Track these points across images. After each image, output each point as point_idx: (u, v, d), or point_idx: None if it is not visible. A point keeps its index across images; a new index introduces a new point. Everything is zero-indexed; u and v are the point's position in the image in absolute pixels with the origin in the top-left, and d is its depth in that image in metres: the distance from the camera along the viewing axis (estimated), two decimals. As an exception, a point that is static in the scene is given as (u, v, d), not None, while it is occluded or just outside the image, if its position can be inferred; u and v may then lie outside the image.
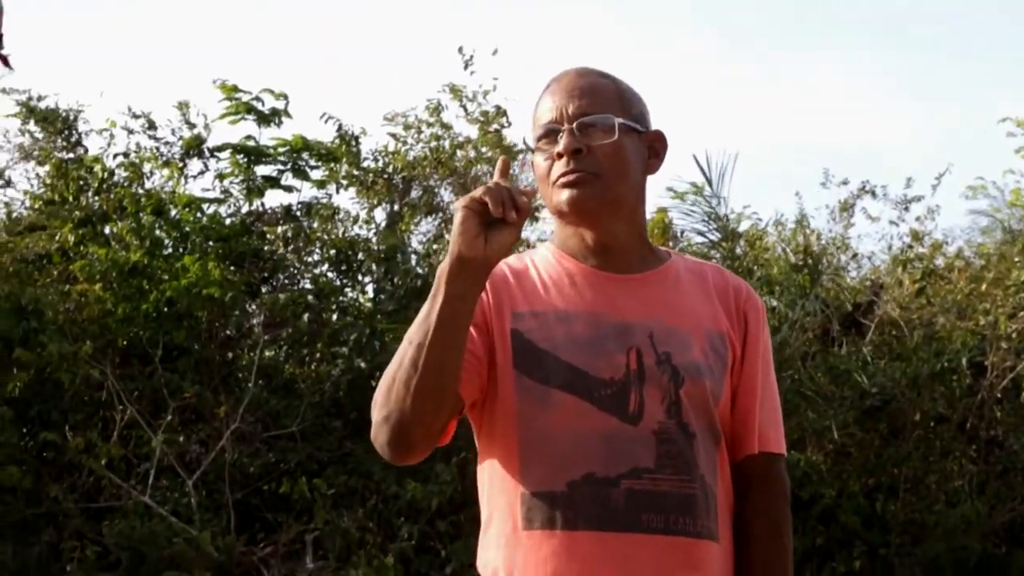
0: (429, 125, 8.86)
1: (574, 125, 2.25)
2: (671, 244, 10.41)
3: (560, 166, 2.25)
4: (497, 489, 2.24)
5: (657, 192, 10.27)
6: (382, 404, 2.17)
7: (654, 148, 2.35)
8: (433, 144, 8.84)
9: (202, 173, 8.02)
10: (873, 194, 10.87)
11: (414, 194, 8.78)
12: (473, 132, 8.96)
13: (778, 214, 10.96)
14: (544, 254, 2.34)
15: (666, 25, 20.19)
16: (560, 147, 2.25)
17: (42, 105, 8.29)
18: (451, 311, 2.08)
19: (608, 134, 2.25)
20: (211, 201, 7.87)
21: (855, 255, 11.12)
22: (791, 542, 2.33)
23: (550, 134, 2.28)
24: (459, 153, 8.83)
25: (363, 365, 7.88)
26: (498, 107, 8.98)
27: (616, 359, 2.20)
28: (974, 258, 11.93)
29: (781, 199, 14.48)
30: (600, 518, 2.13)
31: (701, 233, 9.93)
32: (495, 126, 8.98)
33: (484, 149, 8.93)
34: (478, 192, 2.05)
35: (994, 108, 22.02)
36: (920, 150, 18.31)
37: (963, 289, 10.79)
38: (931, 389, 9.82)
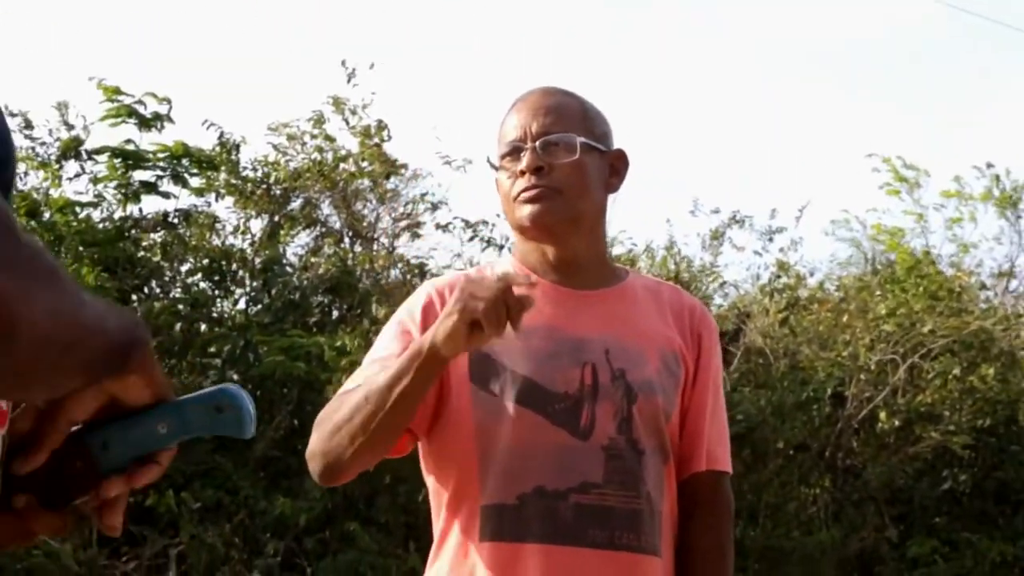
0: (312, 136, 8.76)
1: (537, 144, 2.29)
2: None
3: (521, 183, 2.29)
4: (453, 503, 2.28)
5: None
6: (323, 440, 2.21)
7: (615, 167, 2.41)
8: (315, 156, 8.74)
9: (78, 176, 7.78)
10: (741, 224, 11.07)
11: (293, 205, 8.67)
12: (355, 145, 8.89)
13: (649, 240, 11.11)
14: (505, 267, 2.37)
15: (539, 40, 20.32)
16: (523, 164, 2.29)
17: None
18: (414, 390, 2.11)
19: (570, 153, 2.29)
20: (85, 205, 7.65)
21: (723, 283, 11.33)
22: (733, 558, 2.37)
23: (514, 152, 2.32)
24: (341, 166, 8.75)
25: (235, 377, 7.75)
26: (380, 121, 8.93)
27: (571, 374, 2.24)
28: (834, 291, 12.26)
29: (653, 227, 14.71)
30: (547, 531, 2.18)
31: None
32: (376, 140, 8.91)
33: (365, 163, 8.86)
34: (482, 300, 2.01)
35: (864, 143, 22.71)
36: (786, 182, 18.76)
37: (826, 320, 11.06)
38: (794, 418, 10.03)
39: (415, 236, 9.04)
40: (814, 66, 21.54)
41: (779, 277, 11.08)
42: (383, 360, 2.23)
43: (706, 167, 19.61)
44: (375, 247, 9.04)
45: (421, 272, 8.92)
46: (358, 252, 8.87)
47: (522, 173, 2.29)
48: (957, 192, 12.62)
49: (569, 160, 2.28)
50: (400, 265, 8.97)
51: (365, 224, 9.03)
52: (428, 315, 2.27)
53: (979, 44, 21.72)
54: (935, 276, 11.31)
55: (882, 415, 10.43)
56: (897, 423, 10.50)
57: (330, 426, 2.19)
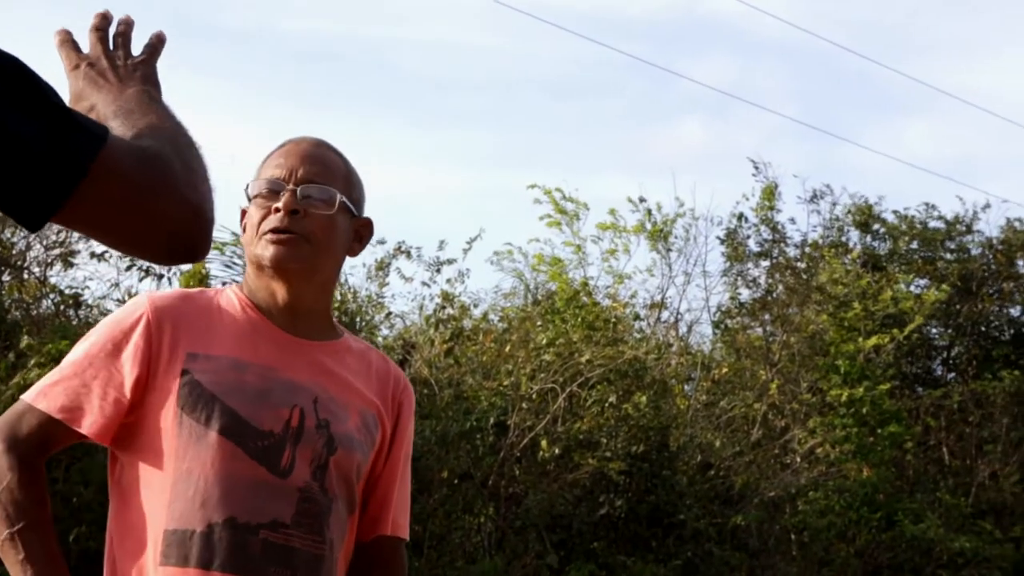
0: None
1: (299, 188, 2.34)
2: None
3: (273, 220, 2.32)
4: (138, 524, 2.26)
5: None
6: None
7: (360, 233, 2.45)
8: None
9: None
10: (408, 255, 11.12)
11: (-65, 231, 8.15)
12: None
13: (317, 270, 10.99)
14: (231, 299, 2.39)
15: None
16: (280, 203, 2.32)
17: None
18: None
19: (328, 206, 2.34)
20: None
21: (389, 314, 11.35)
22: None
23: (273, 188, 2.36)
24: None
25: None
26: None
27: (279, 414, 2.28)
28: (498, 321, 12.50)
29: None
30: (233, 563, 2.20)
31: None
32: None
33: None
34: None
35: (526, 178, 23.36)
36: (455, 214, 19.07)
37: (489, 351, 11.24)
38: (458, 447, 10.14)
39: (69, 265, 8.67)
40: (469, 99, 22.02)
41: (444, 308, 11.17)
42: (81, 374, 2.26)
43: (378, 197, 19.67)
44: (25, 276, 8.60)
45: (76, 303, 8.55)
46: (6, 281, 8.42)
47: (276, 210, 2.32)
48: (612, 225, 13.10)
49: (325, 213, 2.34)
50: (52, 295, 8.57)
51: (14, 252, 8.59)
52: (139, 338, 2.28)
53: (629, 82, 22.75)
54: (592, 307, 11.69)
55: (543, 443, 10.68)
56: (557, 451, 10.77)
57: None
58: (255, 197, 2.37)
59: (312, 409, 2.31)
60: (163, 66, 1.71)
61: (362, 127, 21.46)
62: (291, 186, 2.34)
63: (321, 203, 2.34)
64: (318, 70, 20.92)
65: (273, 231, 2.32)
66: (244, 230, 2.39)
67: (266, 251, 2.32)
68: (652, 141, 22.34)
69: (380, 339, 11.22)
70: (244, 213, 2.40)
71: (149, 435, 2.26)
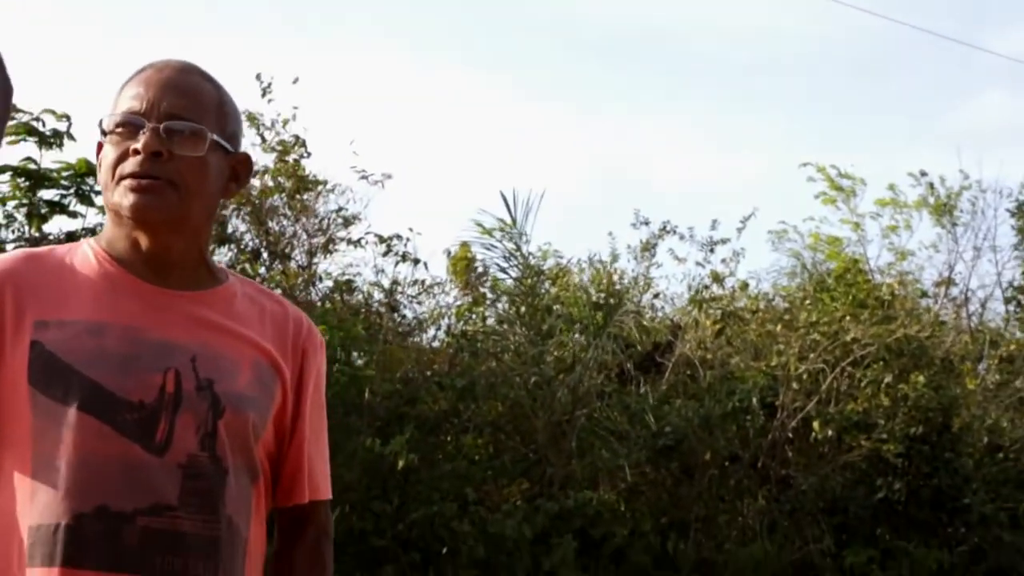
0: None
1: (162, 126, 2.02)
2: (473, 279, 10.43)
3: (133, 164, 2.01)
4: (3, 524, 1.98)
5: (462, 226, 10.31)
6: None
7: (236, 171, 2.15)
8: (227, 173, 8.69)
9: (-20, 196, 7.68)
10: (680, 235, 11.06)
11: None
12: (269, 161, 8.85)
13: (592, 253, 11.05)
14: (86, 254, 2.08)
15: (463, 65, 20.47)
16: (139, 144, 2.01)
17: None
18: None
19: (197, 146, 2.03)
20: (-7, 227, 7.56)
21: (657, 295, 11.29)
22: None
23: (130, 125, 2.03)
24: (255, 183, 8.69)
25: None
26: (297, 136, 8.89)
27: (150, 380, 1.98)
28: (777, 300, 12.24)
29: (590, 236, 14.78)
30: (109, 557, 1.91)
31: (503, 270, 9.95)
32: (293, 156, 8.88)
33: (281, 179, 8.82)
34: None
35: (797, 157, 22.90)
36: (727, 195, 18.88)
37: (757, 330, 11.03)
38: (723, 429, 9.99)
39: (329, 252, 8.99)
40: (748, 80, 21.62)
41: (707, 287, 11.04)
42: None
43: (649, 181, 19.63)
44: (291, 264, 8.98)
45: (349, 288, 8.87)
46: (275, 267, 8.82)
47: (135, 152, 2.00)
48: (892, 200, 12.64)
49: (194, 154, 2.03)
50: (324, 281, 8.92)
51: (282, 239, 8.97)
52: (20, 287, 2.02)
53: (911, 57, 21.87)
54: (863, 284, 11.30)
55: (815, 424, 10.40)
56: (831, 432, 10.47)
57: None
58: (110, 133, 2.04)
59: (190, 369, 2.00)
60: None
61: (637, 115, 21.44)
62: (152, 123, 2.01)
63: (190, 143, 2.02)
64: (608, 56, 20.99)
65: (133, 176, 2.00)
66: (100, 168, 2.06)
67: (125, 199, 2.00)
68: (941, 115, 21.41)
69: (645, 322, 11.18)
70: (100, 148, 2.07)
71: (1, 422, 1.97)
